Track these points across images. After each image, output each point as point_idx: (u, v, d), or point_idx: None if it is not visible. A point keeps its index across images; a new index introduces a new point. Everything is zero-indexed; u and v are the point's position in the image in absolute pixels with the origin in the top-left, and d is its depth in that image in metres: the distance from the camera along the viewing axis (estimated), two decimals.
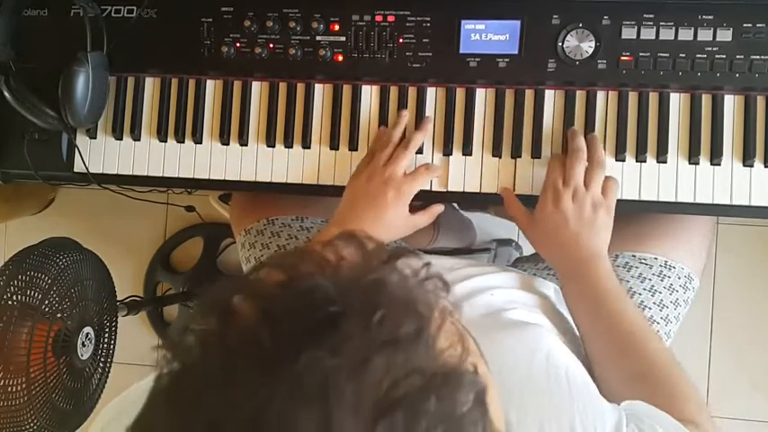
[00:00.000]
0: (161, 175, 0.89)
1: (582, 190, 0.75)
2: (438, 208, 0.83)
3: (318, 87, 0.87)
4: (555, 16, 0.80)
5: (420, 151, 0.84)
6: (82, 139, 0.90)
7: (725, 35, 0.78)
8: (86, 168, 0.89)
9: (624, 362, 0.71)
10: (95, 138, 0.90)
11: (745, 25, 0.77)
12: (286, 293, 0.34)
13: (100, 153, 0.90)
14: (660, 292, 0.86)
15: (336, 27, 0.84)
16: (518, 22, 0.81)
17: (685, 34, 0.78)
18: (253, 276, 0.37)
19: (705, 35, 0.78)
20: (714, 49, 0.78)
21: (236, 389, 0.31)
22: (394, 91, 0.85)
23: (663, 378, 0.70)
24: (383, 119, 0.85)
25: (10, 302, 0.95)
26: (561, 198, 0.75)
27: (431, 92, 0.85)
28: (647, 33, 0.79)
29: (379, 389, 0.31)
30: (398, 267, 0.37)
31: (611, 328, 0.73)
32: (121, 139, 0.90)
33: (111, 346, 1.17)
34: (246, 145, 0.88)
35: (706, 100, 0.80)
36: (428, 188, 0.83)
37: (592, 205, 0.75)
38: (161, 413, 0.34)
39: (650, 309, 0.86)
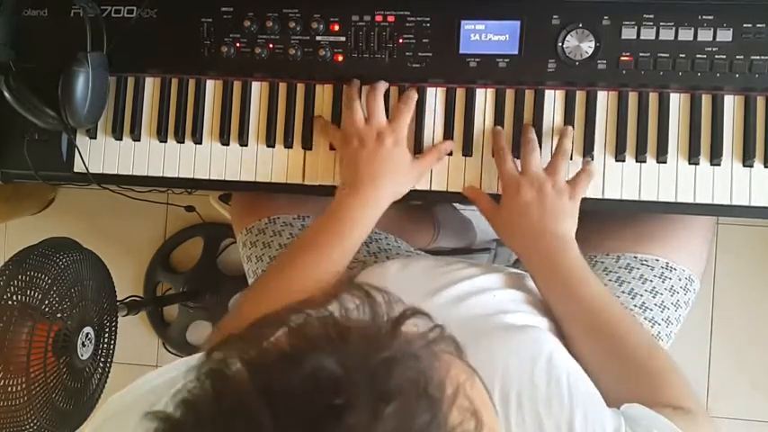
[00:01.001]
0: (161, 175, 0.89)
1: (541, 177, 0.76)
2: (446, 145, 0.83)
3: (318, 87, 0.87)
4: (555, 16, 0.80)
5: (420, 151, 0.84)
6: (82, 140, 0.90)
7: (725, 35, 0.78)
8: (86, 168, 0.89)
9: (599, 345, 0.70)
10: (95, 138, 0.90)
11: (745, 25, 0.77)
12: (289, 373, 0.32)
13: (100, 153, 0.90)
14: (661, 294, 0.86)
15: (336, 27, 0.84)
16: (518, 23, 0.81)
17: (685, 34, 0.78)
18: (254, 338, 0.35)
19: (705, 35, 0.78)
20: (714, 49, 0.78)
21: None
22: (394, 91, 0.85)
23: (644, 361, 0.69)
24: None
25: (10, 302, 0.95)
26: (521, 186, 0.75)
27: (431, 92, 0.85)
28: (647, 34, 0.79)
29: None
30: (408, 335, 0.35)
31: (580, 311, 0.72)
32: (121, 140, 0.90)
33: (111, 346, 1.17)
34: (246, 145, 0.88)
35: (706, 100, 0.80)
36: (428, 188, 0.83)
37: (555, 191, 0.75)
38: None
39: (651, 310, 0.86)
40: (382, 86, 0.82)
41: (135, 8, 0.87)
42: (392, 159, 0.79)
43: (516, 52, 0.81)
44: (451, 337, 0.37)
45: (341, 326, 0.35)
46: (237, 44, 0.86)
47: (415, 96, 0.83)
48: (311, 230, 0.81)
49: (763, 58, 0.77)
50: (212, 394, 0.33)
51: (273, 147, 0.87)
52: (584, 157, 0.81)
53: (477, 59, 0.82)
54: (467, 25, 0.82)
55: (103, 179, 0.90)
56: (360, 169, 0.79)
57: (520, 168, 0.79)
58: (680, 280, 0.88)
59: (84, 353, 1.07)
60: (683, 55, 0.78)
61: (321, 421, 0.30)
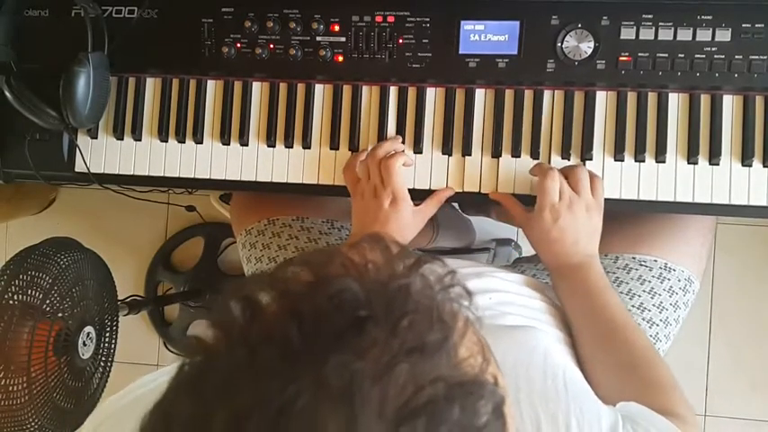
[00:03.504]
0: (162, 174, 0.90)
1: (575, 199, 0.76)
2: (446, 192, 0.83)
3: (319, 88, 0.87)
4: (554, 17, 0.81)
5: (420, 151, 0.84)
6: (83, 139, 0.91)
7: (724, 35, 0.78)
8: (87, 168, 0.89)
9: (610, 352, 0.73)
10: (96, 138, 0.91)
11: (743, 25, 0.78)
12: (315, 294, 0.34)
13: (101, 153, 0.91)
14: (660, 295, 0.87)
15: (336, 28, 0.84)
16: (517, 23, 0.81)
17: (684, 34, 0.79)
18: (280, 273, 0.37)
19: (704, 35, 0.78)
20: (713, 49, 0.78)
21: (262, 384, 0.32)
22: (394, 91, 0.86)
23: (646, 370, 0.72)
24: (383, 119, 0.86)
25: (11, 302, 0.95)
26: (559, 216, 0.75)
27: (430, 92, 0.85)
28: (646, 34, 0.79)
29: (403, 395, 0.31)
30: (424, 274, 0.37)
31: (598, 319, 0.75)
32: (122, 139, 0.90)
33: (112, 346, 1.17)
34: (247, 145, 0.88)
35: (705, 100, 0.80)
36: (427, 187, 0.83)
37: (587, 211, 0.76)
38: (183, 402, 0.34)
39: (650, 311, 0.86)
40: (383, 149, 0.81)
41: (136, 8, 0.88)
42: (390, 221, 0.79)
43: (515, 52, 0.82)
44: (464, 285, 0.39)
45: (360, 264, 0.37)
46: (238, 44, 0.86)
47: (403, 159, 0.80)
48: None
49: (761, 57, 0.78)
50: (242, 318, 0.35)
51: (274, 147, 0.88)
52: (582, 157, 0.82)
53: (476, 60, 0.82)
54: (466, 25, 0.82)
55: (104, 179, 0.91)
56: (364, 226, 0.81)
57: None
58: (679, 281, 0.88)
59: (85, 352, 1.07)
60: (682, 55, 0.79)
61: (345, 334, 0.32)
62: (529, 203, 0.80)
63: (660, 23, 0.79)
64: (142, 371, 1.66)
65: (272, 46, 0.86)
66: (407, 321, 0.33)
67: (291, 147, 0.87)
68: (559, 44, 0.81)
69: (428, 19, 0.83)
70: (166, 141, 0.90)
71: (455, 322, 0.36)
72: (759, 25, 0.77)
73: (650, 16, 0.79)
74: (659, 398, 0.67)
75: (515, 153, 0.83)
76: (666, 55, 0.79)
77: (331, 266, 0.37)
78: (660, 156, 0.80)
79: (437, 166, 0.84)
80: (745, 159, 0.79)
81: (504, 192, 0.83)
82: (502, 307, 0.75)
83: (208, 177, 0.89)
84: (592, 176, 0.77)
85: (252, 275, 0.38)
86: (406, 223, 0.80)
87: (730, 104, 0.80)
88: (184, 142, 0.89)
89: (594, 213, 0.76)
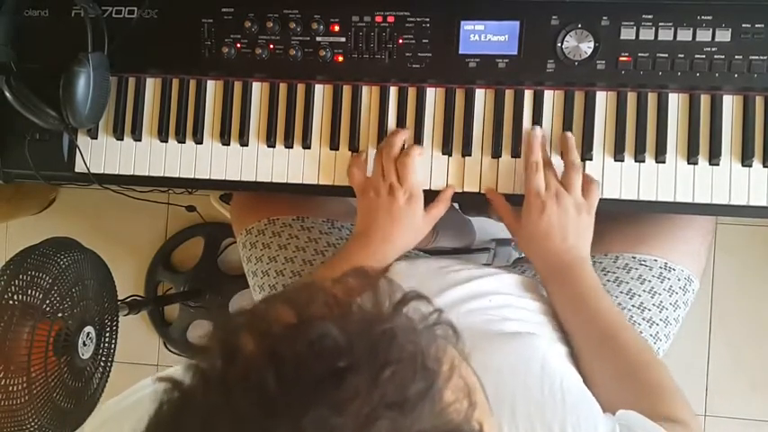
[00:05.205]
0: (162, 175, 0.90)
1: (564, 194, 0.76)
2: (450, 191, 0.83)
3: (318, 88, 0.87)
4: (554, 17, 0.81)
5: None
6: (83, 140, 0.91)
7: (724, 35, 0.78)
8: (87, 168, 0.89)
9: (607, 358, 0.72)
10: (96, 138, 0.91)
11: (743, 26, 0.78)
12: (295, 339, 0.34)
13: (101, 153, 0.91)
14: (660, 294, 0.87)
15: (336, 28, 0.84)
16: (517, 23, 0.81)
17: (684, 35, 0.79)
18: (261, 312, 0.37)
19: (704, 35, 0.78)
20: (713, 49, 0.78)
21: (239, 427, 0.31)
22: (394, 91, 0.86)
23: (645, 374, 0.71)
24: (383, 119, 0.86)
25: (11, 302, 0.96)
26: (545, 206, 0.76)
27: (430, 92, 0.85)
28: (646, 34, 0.79)
29: None
30: (408, 314, 0.37)
31: (592, 325, 0.74)
32: (122, 140, 0.90)
33: (112, 346, 1.17)
34: (247, 145, 0.88)
35: (705, 100, 0.80)
36: (428, 188, 0.83)
37: (576, 209, 0.76)
38: None
39: (650, 310, 0.86)
40: (395, 147, 0.82)
41: (136, 8, 0.88)
42: (403, 218, 0.79)
43: (515, 53, 0.82)
44: (449, 322, 0.38)
45: (344, 302, 0.36)
46: (238, 45, 0.86)
47: (418, 150, 0.82)
48: (322, 269, 0.84)
49: (761, 58, 0.78)
50: (221, 360, 0.34)
51: (274, 147, 0.88)
52: (582, 157, 0.81)
53: (476, 60, 0.82)
54: (466, 25, 0.82)
55: (104, 179, 0.91)
56: (373, 223, 0.80)
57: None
58: (679, 280, 0.88)
59: (85, 352, 1.07)
60: (682, 55, 0.79)
61: (324, 384, 0.32)
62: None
63: (660, 23, 0.79)
64: (142, 371, 1.66)
65: (272, 46, 0.86)
66: (390, 372, 0.32)
67: (291, 147, 0.87)
68: (559, 44, 0.81)
69: (428, 19, 0.83)
70: (166, 141, 0.90)
71: (440, 366, 0.35)
72: (759, 25, 0.77)
73: (650, 16, 0.79)
74: (660, 403, 0.66)
75: (515, 153, 0.83)
76: (666, 55, 0.79)
77: (314, 306, 0.36)
78: (660, 156, 0.80)
79: (437, 167, 0.84)
80: (745, 159, 0.79)
81: (504, 192, 0.83)
82: (501, 311, 0.75)
83: (208, 177, 0.89)
84: (588, 179, 0.78)
85: (235, 311, 0.37)
86: (417, 225, 0.81)
87: (730, 104, 0.80)
88: (184, 142, 0.89)
89: (584, 213, 0.76)
